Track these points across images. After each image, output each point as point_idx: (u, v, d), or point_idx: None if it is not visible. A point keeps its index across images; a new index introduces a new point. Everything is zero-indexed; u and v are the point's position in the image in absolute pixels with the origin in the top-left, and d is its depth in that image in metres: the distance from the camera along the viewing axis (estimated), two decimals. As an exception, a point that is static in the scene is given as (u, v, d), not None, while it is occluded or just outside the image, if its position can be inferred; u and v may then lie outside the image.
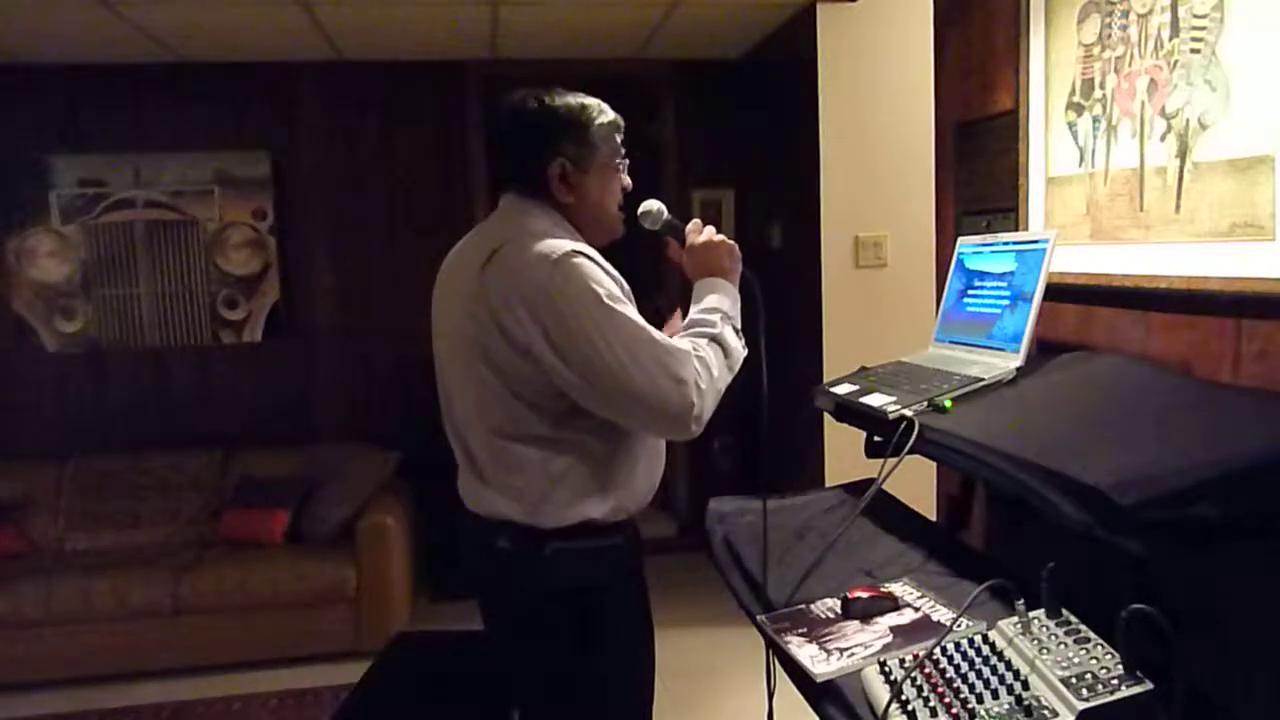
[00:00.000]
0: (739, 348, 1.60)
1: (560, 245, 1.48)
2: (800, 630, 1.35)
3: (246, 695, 3.37)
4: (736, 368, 1.60)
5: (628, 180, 1.67)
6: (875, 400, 1.55)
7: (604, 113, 1.62)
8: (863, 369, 1.82)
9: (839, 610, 1.38)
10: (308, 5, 3.37)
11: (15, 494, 3.90)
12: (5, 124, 4.12)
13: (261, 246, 4.31)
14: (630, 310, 1.48)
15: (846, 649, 1.26)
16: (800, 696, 1.27)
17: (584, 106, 1.60)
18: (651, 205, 1.70)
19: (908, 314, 3.41)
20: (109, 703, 3.35)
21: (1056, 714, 0.98)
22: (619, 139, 1.64)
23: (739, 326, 1.63)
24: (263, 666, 3.54)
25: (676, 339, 1.54)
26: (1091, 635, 1.08)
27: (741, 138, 4.54)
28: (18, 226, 4.14)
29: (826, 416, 1.78)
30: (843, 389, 1.69)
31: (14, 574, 3.55)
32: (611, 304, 1.46)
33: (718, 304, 1.61)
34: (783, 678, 1.36)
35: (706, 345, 1.54)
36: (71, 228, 4.17)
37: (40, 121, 4.14)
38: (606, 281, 1.48)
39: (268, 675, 3.51)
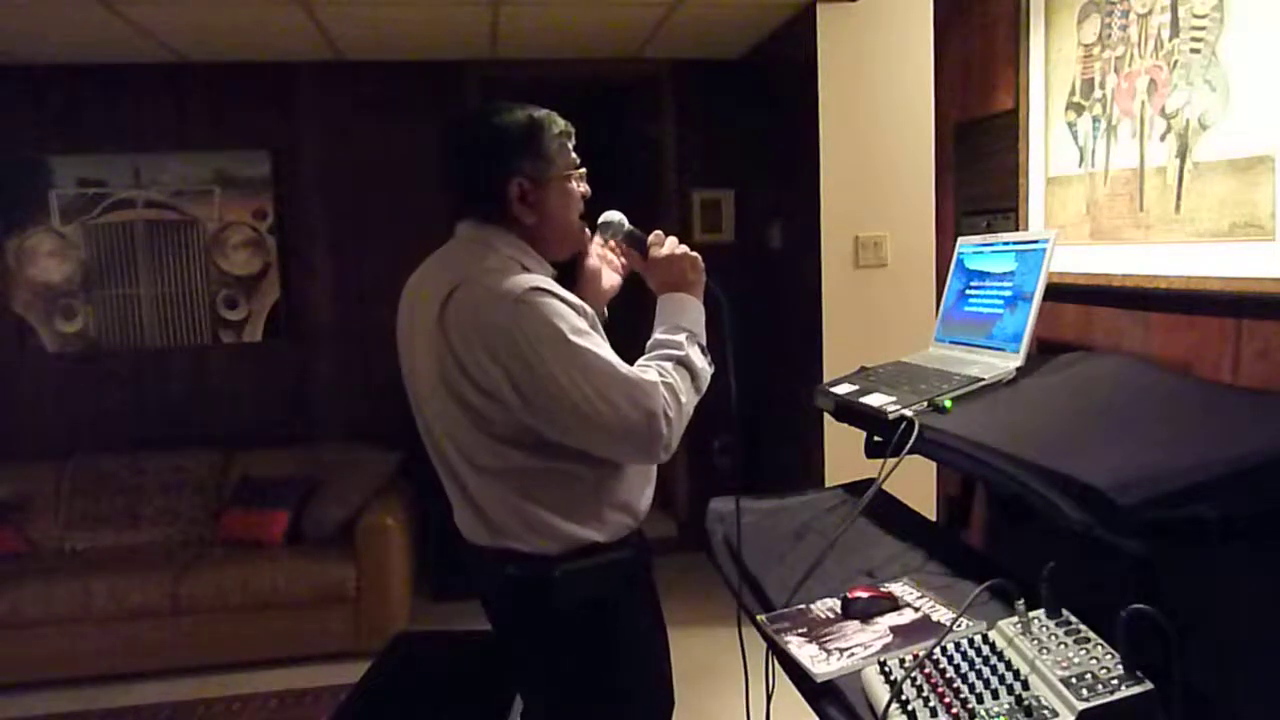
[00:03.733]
0: (705, 368, 1.57)
1: (520, 283, 1.43)
2: (800, 630, 1.35)
3: (246, 695, 3.37)
4: (704, 389, 1.58)
5: (586, 188, 1.62)
6: (875, 400, 1.55)
7: (555, 122, 1.56)
8: (863, 369, 1.82)
9: (839, 610, 1.38)
10: (308, 5, 3.37)
11: (15, 494, 3.89)
12: (5, 124, 4.11)
13: (261, 246, 4.31)
14: (595, 343, 1.45)
15: (846, 649, 1.26)
16: (800, 696, 1.27)
17: (533, 119, 1.53)
18: (612, 216, 1.66)
19: (908, 314, 3.41)
20: (109, 703, 3.35)
21: (1056, 714, 0.98)
22: (571, 146, 1.59)
23: (704, 343, 1.60)
24: (263, 666, 3.54)
25: (642, 366, 1.51)
26: (1091, 635, 1.08)
27: (741, 138, 4.53)
28: (18, 226, 4.14)
29: (826, 416, 1.77)
30: (843, 389, 1.69)
31: (14, 574, 3.55)
32: (575, 339, 1.41)
33: (682, 322, 1.58)
34: (782, 678, 1.36)
35: (673, 369, 1.51)
36: (71, 228, 4.17)
37: (40, 121, 4.13)
38: (570, 316, 1.44)
39: (268, 675, 3.50)
